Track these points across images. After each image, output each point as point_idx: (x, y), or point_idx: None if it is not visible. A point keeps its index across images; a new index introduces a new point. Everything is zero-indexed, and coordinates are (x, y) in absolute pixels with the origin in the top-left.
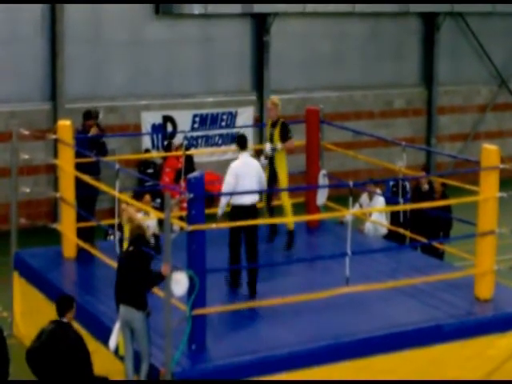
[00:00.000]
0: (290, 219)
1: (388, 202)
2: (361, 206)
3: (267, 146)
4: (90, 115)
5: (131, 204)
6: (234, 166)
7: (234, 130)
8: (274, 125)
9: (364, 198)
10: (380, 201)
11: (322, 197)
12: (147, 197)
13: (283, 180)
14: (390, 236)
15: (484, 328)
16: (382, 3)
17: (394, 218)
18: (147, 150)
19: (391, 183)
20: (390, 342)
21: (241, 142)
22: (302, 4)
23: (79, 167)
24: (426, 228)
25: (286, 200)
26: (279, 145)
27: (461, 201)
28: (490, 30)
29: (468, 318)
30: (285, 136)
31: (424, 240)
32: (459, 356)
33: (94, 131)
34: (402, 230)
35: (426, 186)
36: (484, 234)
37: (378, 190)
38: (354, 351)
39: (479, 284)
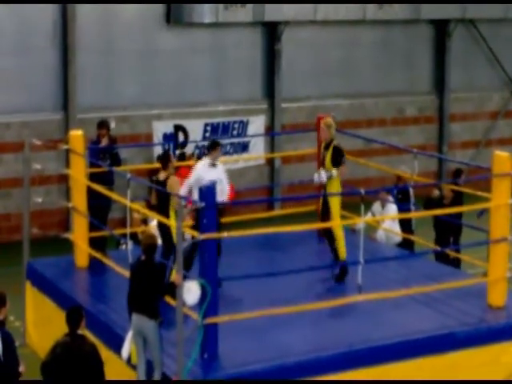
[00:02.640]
0: (342, 250)
1: (399, 209)
2: (373, 214)
3: (322, 174)
4: (102, 125)
5: (142, 213)
6: None
7: (246, 139)
8: (326, 147)
9: (376, 206)
10: (393, 208)
11: None
12: None
13: (335, 212)
14: (404, 244)
15: (497, 335)
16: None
17: (403, 225)
18: (159, 157)
19: (395, 191)
20: (403, 350)
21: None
22: (312, 12)
23: (93, 177)
24: (439, 235)
25: (338, 232)
26: (334, 172)
27: (472, 207)
28: (501, 37)
29: (481, 325)
30: (337, 161)
31: (438, 247)
32: (473, 363)
33: (105, 141)
34: (413, 238)
35: (436, 193)
36: (496, 241)
37: (391, 198)
38: (367, 359)
39: (492, 291)
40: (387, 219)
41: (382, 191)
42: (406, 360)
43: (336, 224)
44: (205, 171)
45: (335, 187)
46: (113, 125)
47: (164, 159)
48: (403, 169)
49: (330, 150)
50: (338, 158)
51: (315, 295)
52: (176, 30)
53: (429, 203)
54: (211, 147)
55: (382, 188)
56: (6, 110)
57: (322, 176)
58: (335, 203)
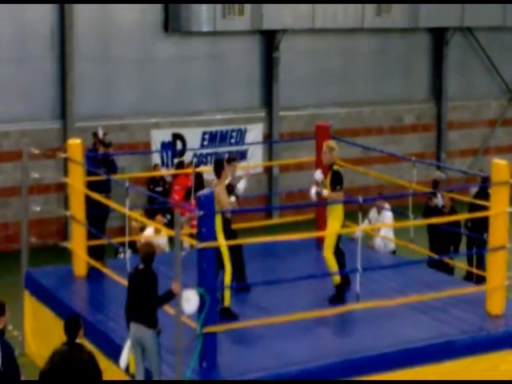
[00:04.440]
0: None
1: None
2: (369, 220)
3: (316, 179)
4: (95, 135)
5: (140, 221)
6: None
7: (244, 147)
8: (328, 168)
9: (372, 212)
10: (388, 215)
11: None
12: (159, 217)
13: (329, 232)
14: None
15: (496, 343)
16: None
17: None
18: (156, 165)
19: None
20: (402, 359)
21: None
22: (310, 20)
23: (90, 185)
24: (438, 243)
25: (328, 254)
26: (325, 191)
27: (471, 216)
28: (499, 45)
29: (479, 333)
30: (333, 187)
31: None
32: (471, 372)
33: (101, 150)
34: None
35: (434, 201)
36: (495, 249)
37: (387, 205)
38: (365, 368)
39: (490, 299)
40: (383, 227)
41: (379, 199)
42: (404, 368)
43: (327, 247)
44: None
45: (335, 210)
46: (100, 133)
47: (217, 166)
48: (438, 174)
49: (330, 174)
50: (334, 184)
51: (313, 304)
52: (174, 39)
53: (427, 211)
54: (228, 162)
55: (380, 196)
56: (5, 118)
57: (317, 174)
58: (331, 227)
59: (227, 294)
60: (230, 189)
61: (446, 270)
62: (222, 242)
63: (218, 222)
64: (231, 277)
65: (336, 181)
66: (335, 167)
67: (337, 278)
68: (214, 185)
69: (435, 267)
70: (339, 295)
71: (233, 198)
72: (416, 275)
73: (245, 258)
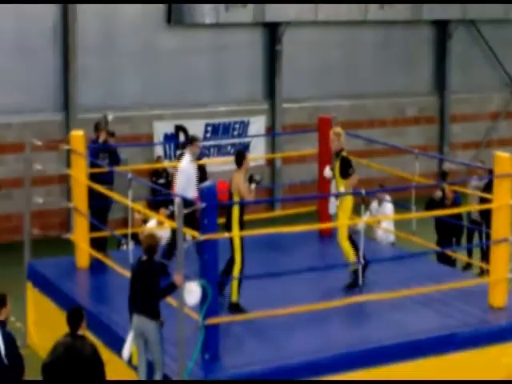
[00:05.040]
0: (351, 256)
1: None
2: (370, 212)
3: (327, 170)
4: (97, 127)
5: (143, 213)
6: None
7: (246, 139)
8: (336, 156)
9: (374, 204)
10: (388, 207)
11: (334, 205)
12: (163, 211)
13: (341, 223)
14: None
15: (498, 336)
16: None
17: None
18: (159, 158)
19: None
20: (404, 351)
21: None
22: (313, 12)
23: (93, 177)
24: (441, 236)
25: (344, 244)
26: (341, 188)
27: (474, 208)
28: (502, 38)
29: (482, 326)
30: (344, 173)
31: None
32: (473, 364)
33: (103, 137)
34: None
35: (438, 194)
36: (498, 241)
37: (388, 197)
38: (368, 360)
39: (493, 292)
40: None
41: (381, 191)
42: (407, 361)
43: (342, 239)
44: (192, 168)
45: (346, 200)
46: (110, 117)
47: (238, 156)
48: (447, 166)
49: (339, 160)
50: (345, 170)
51: (316, 296)
52: (177, 31)
53: (430, 204)
54: (191, 142)
55: (382, 188)
56: (7, 110)
57: (327, 172)
58: (343, 217)
59: (234, 286)
60: (249, 177)
61: (449, 262)
62: (237, 234)
63: (236, 212)
64: (240, 270)
65: (345, 166)
66: (343, 153)
67: (354, 265)
68: (233, 175)
69: (439, 260)
70: (355, 281)
71: (253, 186)
72: (418, 267)
73: (247, 250)
